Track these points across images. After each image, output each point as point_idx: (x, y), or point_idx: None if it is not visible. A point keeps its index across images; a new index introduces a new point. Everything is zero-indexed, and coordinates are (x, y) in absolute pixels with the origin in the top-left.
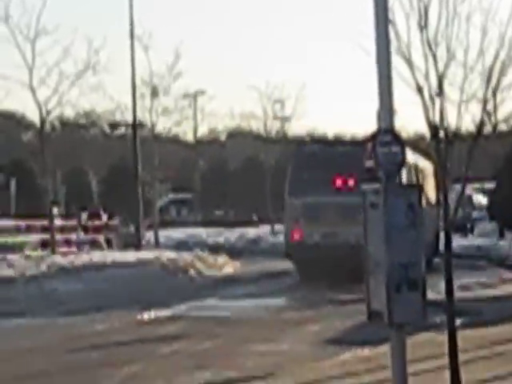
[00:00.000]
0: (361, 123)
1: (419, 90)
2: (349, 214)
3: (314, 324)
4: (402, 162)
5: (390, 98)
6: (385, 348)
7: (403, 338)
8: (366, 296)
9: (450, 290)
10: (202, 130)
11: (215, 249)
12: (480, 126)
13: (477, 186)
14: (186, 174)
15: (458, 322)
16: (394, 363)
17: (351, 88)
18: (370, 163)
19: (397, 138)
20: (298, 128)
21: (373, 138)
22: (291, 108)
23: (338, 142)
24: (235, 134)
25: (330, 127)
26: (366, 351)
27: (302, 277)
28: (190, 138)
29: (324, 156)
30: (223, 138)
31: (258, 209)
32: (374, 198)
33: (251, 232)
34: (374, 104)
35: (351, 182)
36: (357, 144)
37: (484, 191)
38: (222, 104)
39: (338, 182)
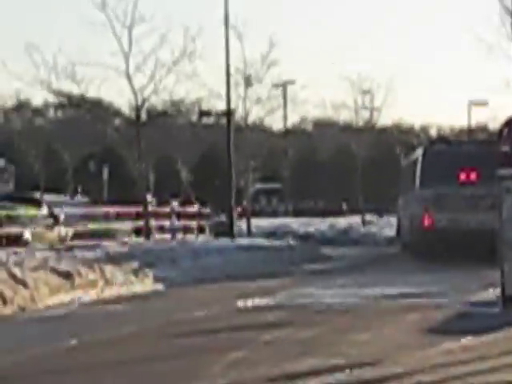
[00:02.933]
0: (447, 114)
1: None
2: (471, 204)
3: (414, 313)
4: None
5: None
6: (490, 337)
7: None
8: (501, 281)
9: None
10: (292, 120)
11: (305, 238)
12: None
13: None
14: (273, 163)
15: None
16: None
17: (439, 78)
18: (505, 148)
19: None
20: (383, 118)
21: (508, 123)
22: (381, 98)
23: (462, 141)
24: (322, 124)
25: (416, 117)
26: (469, 340)
27: (427, 258)
28: (277, 126)
29: (450, 154)
30: (310, 127)
31: (348, 199)
32: (511, 184)
33: (341, 222)
34: (461, 95)
35: (473, 177)
36: (478, 143)
37: None
38: (313, 93)
39: (462, 177)
